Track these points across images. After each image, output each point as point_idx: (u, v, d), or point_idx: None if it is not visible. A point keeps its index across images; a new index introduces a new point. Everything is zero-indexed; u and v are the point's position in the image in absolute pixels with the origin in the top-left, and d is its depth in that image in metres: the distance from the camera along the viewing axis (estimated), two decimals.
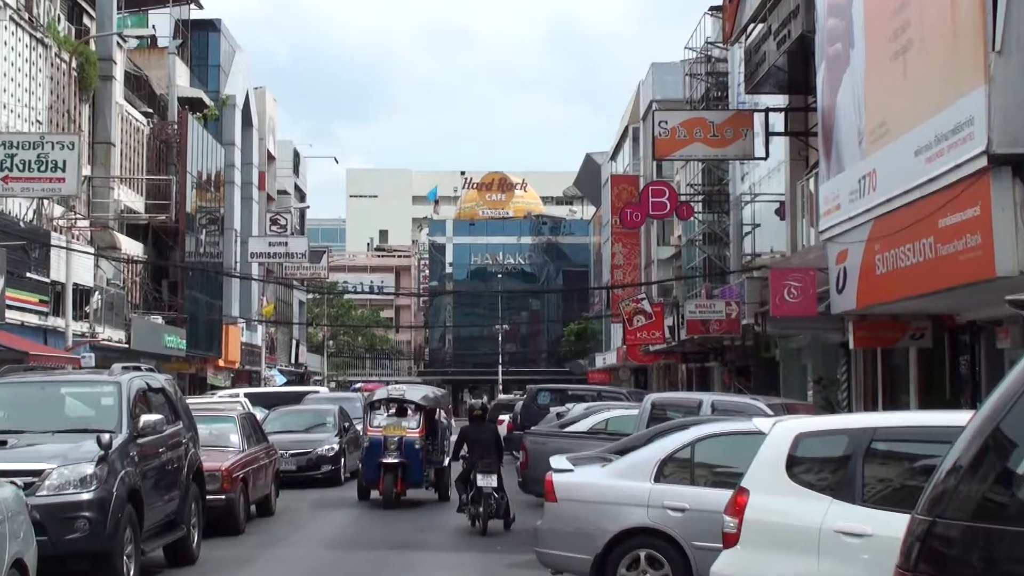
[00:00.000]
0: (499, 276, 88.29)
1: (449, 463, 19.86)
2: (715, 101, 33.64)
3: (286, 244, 53.38)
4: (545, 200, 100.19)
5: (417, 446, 19.26)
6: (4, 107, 28.88)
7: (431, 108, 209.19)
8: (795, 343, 26.79)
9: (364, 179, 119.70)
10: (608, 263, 56.22)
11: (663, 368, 48.53)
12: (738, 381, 32.14)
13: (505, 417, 33.24)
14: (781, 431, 8.12)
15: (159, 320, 37.23)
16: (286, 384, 53.12)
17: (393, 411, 20.55)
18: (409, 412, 20.15)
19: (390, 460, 19.05)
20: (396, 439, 19.18)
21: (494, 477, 16.29)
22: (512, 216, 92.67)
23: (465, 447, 17.07)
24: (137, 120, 38.42)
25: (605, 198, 59.32)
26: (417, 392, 20.66)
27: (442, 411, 21.35)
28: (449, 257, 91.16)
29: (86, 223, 33.41)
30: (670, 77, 44.18)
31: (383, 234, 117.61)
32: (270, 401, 29.72)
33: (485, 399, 40.89)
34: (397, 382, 26.05)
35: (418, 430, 19.56)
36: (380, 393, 21.23)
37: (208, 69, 50.32)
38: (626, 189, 51.92)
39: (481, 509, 16.15)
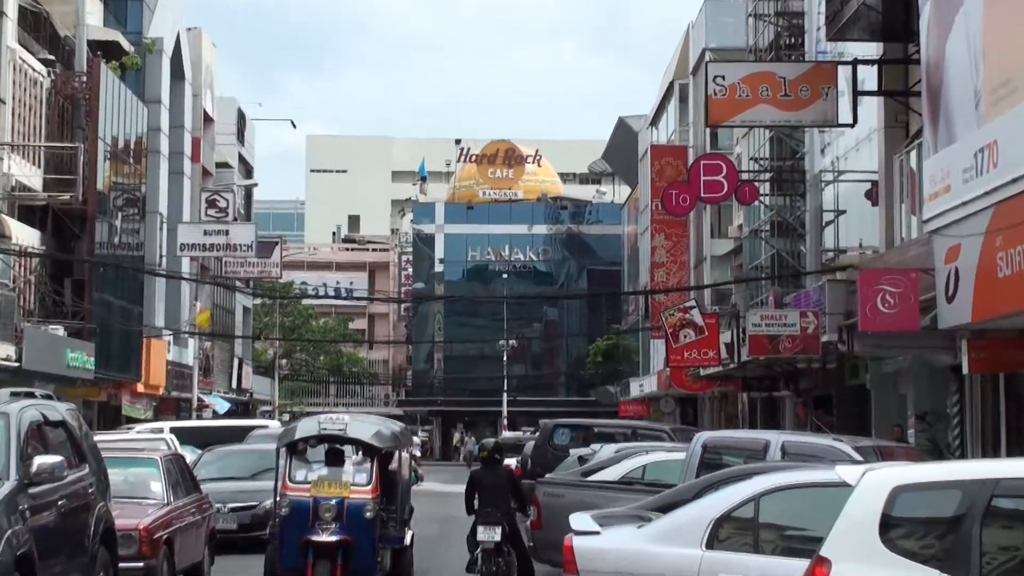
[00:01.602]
0: (504, 276, 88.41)
1: (412, 540, 18.13)
2: (787, 50, 33.68)
3: (227, 233, 53.38)
4: (564, 177, 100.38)
5: (368, 514, 16.01)
6: None
7: (416, 61, 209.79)
8: (891, 367, 26.76)
9: (329, 149, 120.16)
10: (647, 260, 56.24)
11: (718, 398, 48.54)
12: (816, 416, 32.13)
13: (512, 461, 33.19)
14: (873, 483, 8.13)
15: (60, 331, 37.24)
16: (226, 415, 53.13)
17: (328, 457, 16.99)
18: (353, 459, 17.12)
19: (324, 539, 15.77)
20: (334, 503, 15.92)
21: (497, 530, 16.53)
22: (522, 198, 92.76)
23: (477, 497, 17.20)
24: (34, 70, 38.48)
25: (643, 175, 59.34)
26: (365, 426, 17.14)
27: (404, 456, 18.25)
28: (439, 251, 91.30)
29: None
30: (729, 19, 44.25)
31: (353, 220, 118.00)
32: (204, 438, 29.74)
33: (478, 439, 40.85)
34: (374, 411, 24.95)
35: (369, 488, 16.22)
36: (306, 427, 17.05)
37: (127, 4, 50.38)
38: (670, 164, 52.02)
39: (490, 569, 16.51)
